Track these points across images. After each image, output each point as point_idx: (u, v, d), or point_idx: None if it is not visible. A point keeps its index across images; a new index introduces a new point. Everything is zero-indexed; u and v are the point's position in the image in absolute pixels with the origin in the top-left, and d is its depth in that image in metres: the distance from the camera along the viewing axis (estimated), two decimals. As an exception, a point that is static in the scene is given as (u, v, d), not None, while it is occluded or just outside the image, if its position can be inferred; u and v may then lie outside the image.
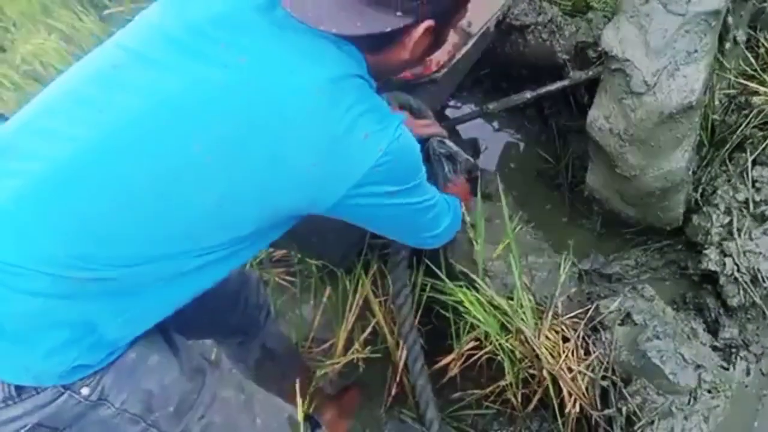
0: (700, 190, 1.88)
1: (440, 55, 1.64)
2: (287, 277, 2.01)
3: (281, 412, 1.29)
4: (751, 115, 1.90)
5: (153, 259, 0.97)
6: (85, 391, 0.99)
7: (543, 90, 1.93)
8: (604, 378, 1.55)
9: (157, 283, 0.99)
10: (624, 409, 1.50)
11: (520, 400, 1.67)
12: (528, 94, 1.93)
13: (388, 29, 1.00)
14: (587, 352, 1.58)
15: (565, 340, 1.59)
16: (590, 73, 1.87)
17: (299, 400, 1.25)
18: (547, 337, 1.57)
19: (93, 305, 0.96)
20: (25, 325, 0.94)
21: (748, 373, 1.64)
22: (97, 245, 0.94)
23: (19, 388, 0.96)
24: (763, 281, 1.68)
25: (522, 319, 1.57)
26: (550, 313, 1.61)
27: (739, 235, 1.74)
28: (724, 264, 1.72)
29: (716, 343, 1.66)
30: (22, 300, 0.92)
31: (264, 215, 1.02)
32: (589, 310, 1.63)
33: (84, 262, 0.93)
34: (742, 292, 1.69)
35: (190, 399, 1.09)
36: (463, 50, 1.73)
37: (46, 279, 0.92)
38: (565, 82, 1.93)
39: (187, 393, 1.09)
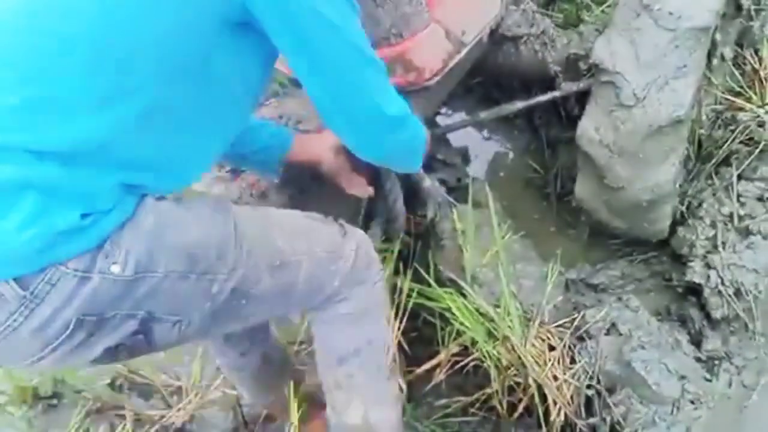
0: (686, 203, 1.90)
1: (434, 63, 1.65)
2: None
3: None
4: (736, 131, 1.93)
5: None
6: (116, 269, 0.93)
7: (534, 100, 1.95)
8: (589, 387, 1.56)
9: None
10: (608, 418, 1.51)
11: (505, 407, 1.67)
12: (519, 104, 1.94)
13: None
14: (573, 361, 1.59)
15: (551, 348, 1.60)
16: (581, 84, 1.89)
17: (293, 406, 1.23)
18: (533, 345, 1.58)
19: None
20: None
21: (730, 385, 1.66)
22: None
23: (30, 285, 0.89)
24: (746, 294, 1.71)
25: (509, 327, 1.57)
26: (537, 322, 1.62)
27: (724, 249, 1.77)
28: (708, 276, 1.74)
29: (699, 355, 1.68)
30: None
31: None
32: (575, 319, 1.65)
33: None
34: (725, 304, 1.71)
35: (225, 234, 1.06)
36: (457, 59, 1.74)
37: None
38: (556, 93, 1.94)
39: (219, 230, 1.06)
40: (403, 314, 1.68)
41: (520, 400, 1.64)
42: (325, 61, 1.04)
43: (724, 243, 1.78)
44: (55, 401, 1.90)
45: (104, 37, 0.91)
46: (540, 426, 1.59)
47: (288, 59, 1.05)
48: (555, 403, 1.55)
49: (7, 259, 0.88)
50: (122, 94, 0.93)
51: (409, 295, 1.71)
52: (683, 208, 1.89)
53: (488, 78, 2.25)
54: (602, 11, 2.13)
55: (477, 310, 1.60)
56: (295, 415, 1.26)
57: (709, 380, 1.61)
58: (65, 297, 0.91)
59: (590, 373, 1.57)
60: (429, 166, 1.87)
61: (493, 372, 1.61)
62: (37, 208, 0.88)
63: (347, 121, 1.13)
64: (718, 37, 1.90)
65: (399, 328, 1.68)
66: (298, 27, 0.99)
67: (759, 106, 1.96)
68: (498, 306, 1.60)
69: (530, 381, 1.56)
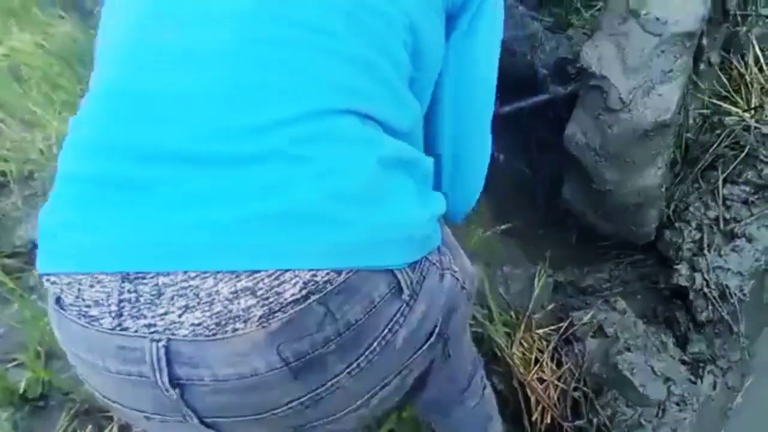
0: (672, 207, 1.92)
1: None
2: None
3: None
4: (723, 135, 1.95)
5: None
6: (456, 270, 0.83)
7: (522, 103, 1.96)
8: (575, 389, 1.57)
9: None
10: (595, 420, 1.52)
11: (492, 409, 1.68)
12: (507, 107, 1.95)
13: None
14: (559, 363, 1.60)
15: (538, 350, 1.61)
16: (569, 88, 1.90)
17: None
18: (520, 347, 1.59)
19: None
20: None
21: (714, 387, 1.67)
22: None
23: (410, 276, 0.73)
24: (731, 297, 1.72)
25: (495, 329, 1.58)
26: (524, 324, 1.63)
27: (709, 252, 1.78)
28: (694, 279, 1.76)
29: (685, 357, 1.70)
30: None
31: None
32: (562, 321, 1.66)
33: None
34: (710, 307, 1.73)
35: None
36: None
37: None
38: (544, 97, 1.95)
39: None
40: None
41: (507, 403, 1.65)
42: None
43: (709, 246, 1.79)
44: (42, 403, 1.88)
45: None
46: (526, 428, 1.59)
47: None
48: (542, 406, 1.56)
49: (413, 241, 0.73)
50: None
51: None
52: (670, 212, 1.91)
53: (477, 81, 2.26)
54: (591, 15, 2.14)
55: (464, 312, 1.61)
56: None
57: (694, 382, 1.62)
58: (432, 293, 0.77)
59: (577, 375, 1.58)
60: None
61: (480, 374, 1.62)
62: (419, 189, 0.77)
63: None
64: (704, 42, 1.91)
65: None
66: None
67: (745, 111, 1.98)
68: (484, 308, 1.61)
69: (516, 383, 1.57)
